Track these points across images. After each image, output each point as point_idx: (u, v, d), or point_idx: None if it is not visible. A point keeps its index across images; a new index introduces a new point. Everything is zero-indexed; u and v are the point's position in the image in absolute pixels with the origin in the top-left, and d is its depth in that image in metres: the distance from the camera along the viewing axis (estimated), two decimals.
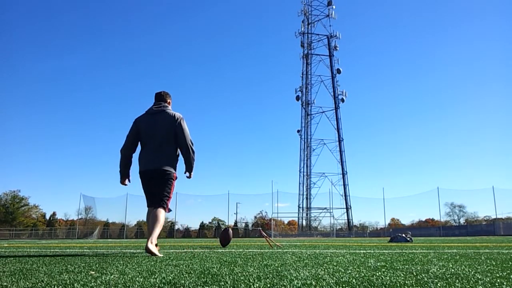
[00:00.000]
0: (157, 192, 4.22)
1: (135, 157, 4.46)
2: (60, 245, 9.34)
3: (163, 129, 4.30)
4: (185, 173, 4.44)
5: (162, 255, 3.98)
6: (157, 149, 4.28)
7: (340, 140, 51.75)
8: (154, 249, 3.96)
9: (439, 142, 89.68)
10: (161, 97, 4.55)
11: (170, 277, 1.98)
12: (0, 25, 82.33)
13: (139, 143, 4.42)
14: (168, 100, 4.58)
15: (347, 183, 50.70)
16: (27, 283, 1.83)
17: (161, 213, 4.16)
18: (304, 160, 52.72)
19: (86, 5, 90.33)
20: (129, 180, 4.46)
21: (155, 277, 2.01)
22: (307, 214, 51.26)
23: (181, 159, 4.44)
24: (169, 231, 49.70)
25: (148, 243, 3.96)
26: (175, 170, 4.35)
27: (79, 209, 46.59)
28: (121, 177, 4.44)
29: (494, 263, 2.88)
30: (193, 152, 4.38)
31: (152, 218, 4.13)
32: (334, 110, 52.66)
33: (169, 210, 4.31)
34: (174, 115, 4.37)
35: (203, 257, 3.58)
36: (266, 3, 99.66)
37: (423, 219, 60.70)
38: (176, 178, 4.38)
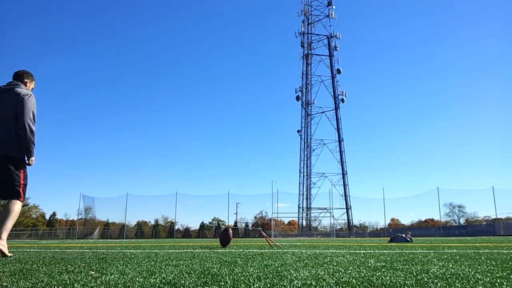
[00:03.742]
0: (8, 181, 3.86)
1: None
2: (60, 245, 9.34)
3: (8, 109, 3.92)
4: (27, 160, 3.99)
5: (11, 255, 3.78)
6: (2, 131, 3.91)
7: (340, 140, 51.76)
8: (4, 248, 3.65)
9: (439, 142, 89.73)
10: (17, 76, 4.15)
11: (170, 277, 1.98)
12: (0, 24, 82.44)
13: None
14: (26, 80, 4.17)
15: (347, 183, 50.72)
16: (27, 283, 1.83)
17: (17, 205, 3.85)
18: (304, 160, 52.73)
19: (86, 6, 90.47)
20: None
21: (155, 277, 2.01)
22: (307, 214, 51.26)
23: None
24: (169, 231, 49.65)
25: None
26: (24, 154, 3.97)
27: (79, 209, 46.59)
28: None
29: (494, 263, 2.88)
30: (31, 131, 3.93)
31: (5, 211, 3.78)
32: (334, 110, 52.66)
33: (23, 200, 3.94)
34: (20, 92, 3.97)
35: (203, 257, 3.58)
36: (266, 3, 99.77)
37: (423, 219, 60.71)
38: (28, 164, 3.98)
